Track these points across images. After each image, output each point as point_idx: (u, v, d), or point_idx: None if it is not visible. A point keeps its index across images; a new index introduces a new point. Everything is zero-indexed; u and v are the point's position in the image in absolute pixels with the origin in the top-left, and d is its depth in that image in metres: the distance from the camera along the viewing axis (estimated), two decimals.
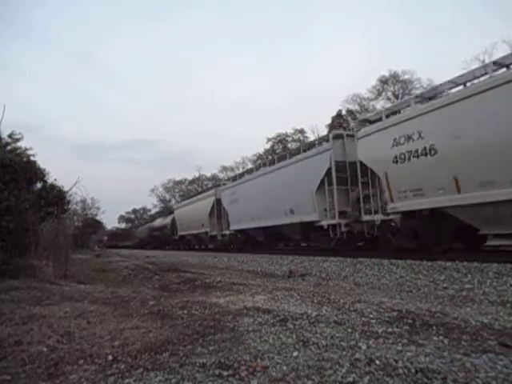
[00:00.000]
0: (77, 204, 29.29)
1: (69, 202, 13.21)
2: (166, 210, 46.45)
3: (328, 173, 11.75)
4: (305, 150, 14.16)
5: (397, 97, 35.36)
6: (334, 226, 11.56)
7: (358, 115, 35.92)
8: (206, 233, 22.61)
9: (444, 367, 2.34)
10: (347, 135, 12.18)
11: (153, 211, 72.48)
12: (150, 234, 39.39)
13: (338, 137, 12.21)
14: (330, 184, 11.76)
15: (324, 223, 11.85)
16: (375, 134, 10.00)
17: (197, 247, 27.39)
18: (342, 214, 11.51)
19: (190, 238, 26.93)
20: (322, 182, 11.94)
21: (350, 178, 11.50)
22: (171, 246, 33.16)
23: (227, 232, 20.12)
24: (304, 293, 5.53)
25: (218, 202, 20.96)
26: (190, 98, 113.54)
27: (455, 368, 2.33)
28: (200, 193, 28.68)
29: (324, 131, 36.92)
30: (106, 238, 61.73)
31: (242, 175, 20.28)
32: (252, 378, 2.33)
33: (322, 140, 14.07)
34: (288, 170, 14.24)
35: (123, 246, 50.60)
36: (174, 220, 30.78)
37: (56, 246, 9.74)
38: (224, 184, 22.55)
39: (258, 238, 18.08)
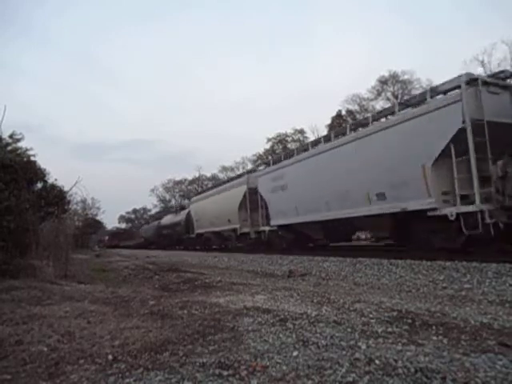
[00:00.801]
0: (77, 204, 29.23)
1: (69, 202, 13.24)
2: (178, 206, 42.00)
3: (457, 136, 7.76)
4: (406, 106, 9.84)
5: (396, 97, 35.36)
6: (467, 215, 7.64)
7: (357, 115, 36.00)
8: (234, 230, 18.28)
9: (443, 367, 2.35)
10: (484, 82, 7.95)
11: (153, 211, 72.51)
12: (158, 232, 35.60)
13: (471, 83, 7.93)
14: (461, 154, 7.80)
15: (450, 211, 7.87)
16: None
17: (215, 247, 23.22)
18: (466, 197, 7.88)
19: (209, 236, 22.60)
20: (445, 150, 7.99)
21: (491, 143, 7.58)
22: (183, 245, 29.48)
23: (266, 228, 15.59)
24: (304, 293, 5.54)
25: (252, 191, 16.59)
26: (189, 97, 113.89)
27: (454, 368, 2.33)
28: (225, 182, 23.08)
29: (324, 131, 37.00)
30: (107, 237, 60.02)
31: (289, 155, 14.68)
32: (252, 378, 2.34)
33: (442, 89, 8.85)
34: (377, 139, 9.80)
35: (125, 246, 48.12)
36: (189, 216, 26.15)
37: (56, 246, 9.75)
38: (259, 170, 17.71)
39: (313, 235, 13.81)
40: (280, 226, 14.68)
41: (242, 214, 17.44)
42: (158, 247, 34.87)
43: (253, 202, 16.58)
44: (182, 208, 33.44)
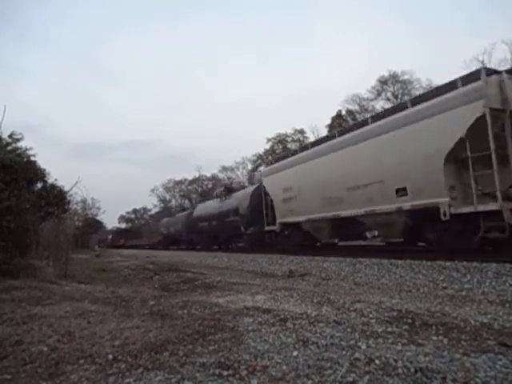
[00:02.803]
0: (77, 204, 29.18)
1: (69, 202, 13.22)
2: (225, 189, 24.78)
3: None
4: None
5: (396, 97, 35.37)
6: None
7: (357, 115, 36.02)
8: (427, 209, 7.83)
9: (443, 367, 2.35)
10: None
11: (153, 211, 72.41)
12: (191, 226, 24.38)
13: None
14: None
15: None
16: None
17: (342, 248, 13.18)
18: None
19: (318, 227, 12.07)
20: None
21: None
22: (239, 245, 19.69)
23: None
24: (304, 293, 5.53)
25: (501, 115, 6.83)
26: (189, 97, 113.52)
27: (455, 368, 2.33)
28: (391, 111, 9.37)
29: (324, 131, 36.96)
30: (110, 236, 55.51)
31: None
32: (252, 378, 2.34)
33: None
34: None
35: (135, 246, 40.42)
36: (255, 197, 16.20)
37: (56, 246, 9.76)
38: None
39: None
40: None
41: (461, 172, 7.56)
42: (187, 248, 25.27)
43: (501, 139, 6.92)
44: (230, 191, 22.17)
